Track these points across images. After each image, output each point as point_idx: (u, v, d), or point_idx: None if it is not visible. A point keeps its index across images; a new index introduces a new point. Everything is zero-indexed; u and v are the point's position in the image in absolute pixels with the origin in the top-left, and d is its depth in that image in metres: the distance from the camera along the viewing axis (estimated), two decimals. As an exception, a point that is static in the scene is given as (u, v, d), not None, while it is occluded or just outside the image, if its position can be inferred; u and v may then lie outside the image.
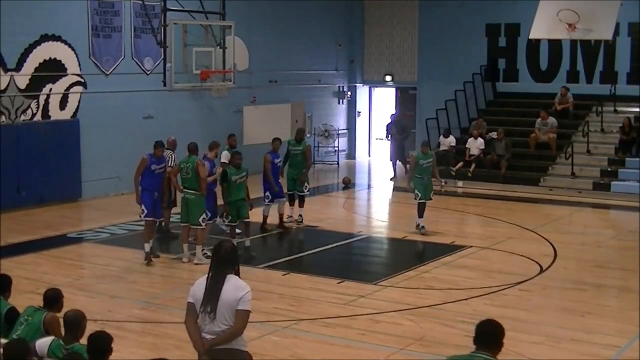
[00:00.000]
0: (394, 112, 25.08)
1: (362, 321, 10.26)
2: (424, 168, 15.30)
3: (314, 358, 8.97)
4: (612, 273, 13.22)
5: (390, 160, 23.22)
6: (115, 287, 11.80)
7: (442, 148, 21.84)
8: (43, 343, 6.32)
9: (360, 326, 10.05)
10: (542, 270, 12.83)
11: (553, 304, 11.31)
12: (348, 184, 21.27)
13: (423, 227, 15.32)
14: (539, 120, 21.58)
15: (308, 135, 24.55)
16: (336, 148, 25.67)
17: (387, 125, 23.86)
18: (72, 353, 6.06)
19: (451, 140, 21.84)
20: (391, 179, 22.64)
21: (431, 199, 15.36)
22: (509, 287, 11.83)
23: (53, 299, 7.00)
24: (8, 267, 10.48)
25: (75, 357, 5.99)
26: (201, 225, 12.97)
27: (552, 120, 21.52)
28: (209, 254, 12.42)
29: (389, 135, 23.47)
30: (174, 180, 13.72)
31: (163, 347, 9.12)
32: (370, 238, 15.55)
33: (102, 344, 6.00)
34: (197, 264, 12.80)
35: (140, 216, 13.17)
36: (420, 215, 15.29)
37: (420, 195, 15.18)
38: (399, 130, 23.16)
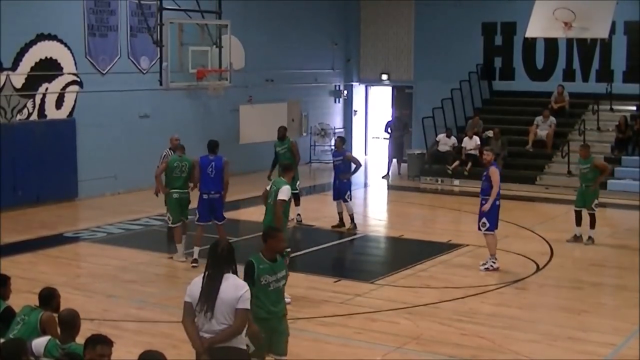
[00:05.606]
0: (392, 110, 25.10)
1: (359, 320, 10.26)
2: (581, 173, 14.56)
3: (311, 357, 8.96)
4: (609, 271, 13.24)
5: (388, 158, 23.27)
6: (111, 287, 11.78)
7: (441, 148, 21.85)
8: (39, 343, 6.31)
9: (357, 325, 10.05)
10: (538, 269, 12.85)
11: (549, 303, 11.32)
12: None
13: (590, 238, 14.44)
14: (539, 118, 21.59)
15: (304, 134, 24.59)
16: (332, 147, 25.64)
17: (387, 123, 23.90)
18: (69, 353, 6.04)
19: (453, 141, 21.86)
20: (383, 177, 22.71)
21: (593, 209, 14.34)
22: (505, 286, 11.85)
23: (47, 297, 6.99)
24: (4, 267, 10.44)
25: (73, 356, 5.97)
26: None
27: (551, 118, 21.57)
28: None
29: (389, 134, 23.46)
30: (159, 181, 13.17)
31: (159, 346, 9.01)
32: (366, 237, 15.55)
33: None
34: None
35: None
36: (578, 224, 14.50)
37: (575, 202, 14.63)
38: (399, 128, 23.23)
